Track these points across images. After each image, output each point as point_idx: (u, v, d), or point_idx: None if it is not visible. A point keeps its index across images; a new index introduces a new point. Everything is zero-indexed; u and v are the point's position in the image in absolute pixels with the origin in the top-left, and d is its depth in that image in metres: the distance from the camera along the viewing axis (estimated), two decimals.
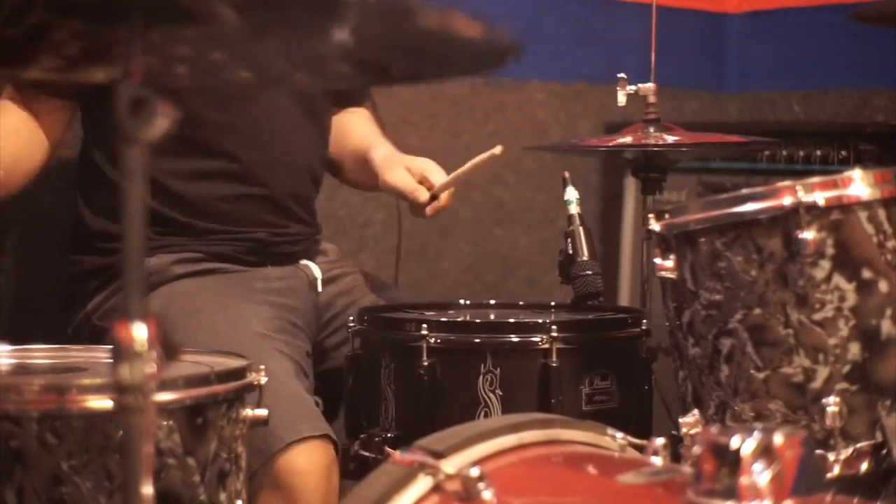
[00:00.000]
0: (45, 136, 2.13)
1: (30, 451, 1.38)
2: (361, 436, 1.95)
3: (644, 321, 2.00)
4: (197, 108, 2.08)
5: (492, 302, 2.25)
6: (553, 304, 2.20)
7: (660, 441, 1.24)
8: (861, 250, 1.70)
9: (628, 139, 2.23)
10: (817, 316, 1.69)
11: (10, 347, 1.70)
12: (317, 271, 2.23)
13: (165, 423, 1.43)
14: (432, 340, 1.87)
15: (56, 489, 1.38)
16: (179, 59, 1.06)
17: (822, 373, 1.69)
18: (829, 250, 1.69)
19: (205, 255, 2.14)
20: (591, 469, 1.27)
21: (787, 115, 3.57)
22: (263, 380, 1.57)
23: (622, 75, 2.27)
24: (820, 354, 1.69)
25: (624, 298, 3.25)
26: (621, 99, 2.26)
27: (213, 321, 2.00)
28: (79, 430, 1.39)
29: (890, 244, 1.71)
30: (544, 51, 3.32)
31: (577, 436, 1.31)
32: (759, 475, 1.01)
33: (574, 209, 2.14)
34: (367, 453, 1.93)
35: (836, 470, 1.69)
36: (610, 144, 2.29)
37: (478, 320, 2.04)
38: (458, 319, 2.05)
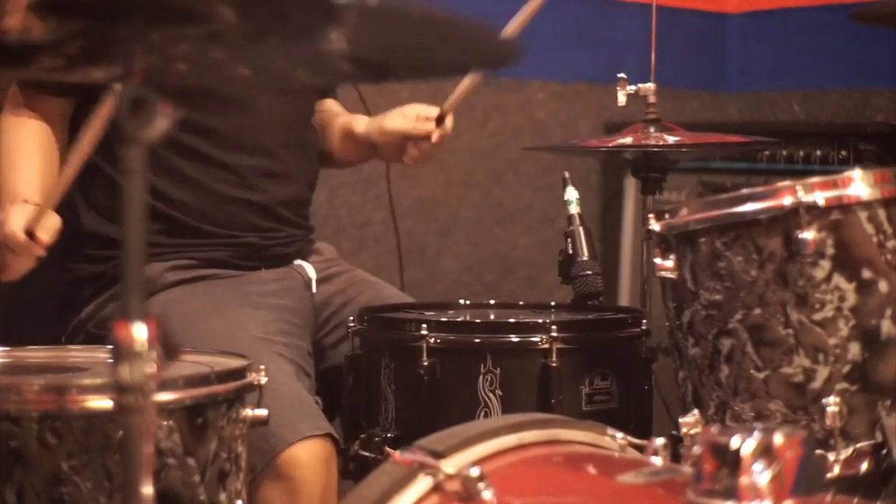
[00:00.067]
0: (57, 140, 2.15)
1: (30, 451, 1.38)
2: (361, 436, 1.95)
3: (644, 321, 2.00)
4: (189, 113, 2.08)
5: (492, 302, 2.25)
6: (553, 304, 2.20)
7: (660, 441, 1.23)
8: (861, 250, 1.70)
9: (628, 139, 2.22)
10: (817, 316, 1.69)
11: (10, 348, 1.70)
12: (311, 271, 2.23)
13: (165, 423, 1.43)
14: (432, 340, 1.87)
15: (56, 489, 1.38)
16: (179, 58, 1.06)
17: (822, 373, 1.69)
18: (829, 250, 1.69)
19: (197, 261, 2.13)
20: (591, 469, 1.27)
21: (787, 115, 3.57)
22: (263, 380, 1.58)
23: (622, 75, 2.27)
24: (820, 354, 1.69)
25: (624, 298, 3.25)
26: (621, 99, 2.26)
27: (210, 328, 2.00)
28: (79, 430, 1.39)
29: (890, 244, 1.71)
30: (544, 51, 3.32)
31: (577, 436, 1.31)
32: (759, 475, 1.01)
33: (574, 209, 2.14)
34: (367, 453, 1.92)
35: (836, 470, 1.69)
36: (610, 145, 2.29)
37: (478, 320, 2.04)
38: (458, 319, 2.05)
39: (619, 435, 1.33)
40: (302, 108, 2.30)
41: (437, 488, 1.14)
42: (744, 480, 1.01)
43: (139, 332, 0.99)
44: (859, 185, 1.71)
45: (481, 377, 1.86)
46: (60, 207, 2.28)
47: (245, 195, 2.17)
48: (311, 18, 1.00)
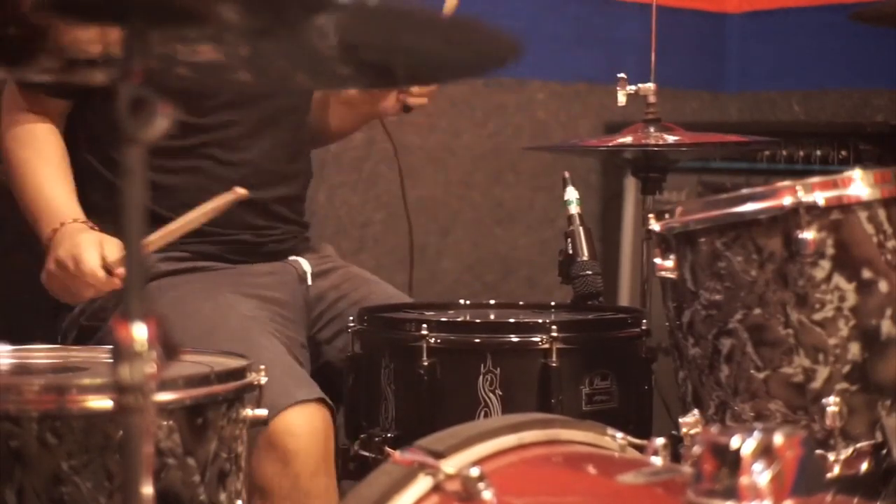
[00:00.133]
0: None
1: (30, 451, 1.38)
2: (361, 436, 1.95)
3: (644, 321, 2.00)
4: (182, 114, 2.07)
5: (492, 302, 2.25)
6: (553, 304, 2.20)
7: (660, 441, 1.23)
8: (861, 250, 1.70)
9: (628, 139, 2.22)
10: (817, 316, 1.69)
11: (10, 347, 1.70)
12: (306, 265, 2.24)
13: (165, 423, 1.43)
14: (432, 340, 1.87)
15: (56, 489, 1.38)
16: (178, 60, 1.06)
17: (822, 373, 1.69)
18: (829, 250, 1.69)
19: (191, 254, 2.14)
20: (591, 469, 1.27)
21: (787, 115, 3.57)
22: (263, 380, 1.57)
23: (622, 75, 2.27)
24: (820, 354, 1.69)
25: (624, 298, 3.25)
26: (621, 99, 2.26)
27: (200, 309, 2.00)
28: (79, 430, 1.39)
29: (890, 244, 1.71)
30: (544, 51, 3.32)
31: (577, 436, 1.31)
32: (759, 475, 1.01)
33: (574, 209, 2.14)
34: (367, 453, 1.93)
35: (836, 470, 1.69)
36: (610, 144, 2.29)
37: (478, 320, 2.04)
38: (458, 319, 2.05)
39: (619, 435, 1.33)
40: (297, 107, 2.30)
41: (437, 488, 1.14)
42: (744, 480, 1.01)
43: (139, 332, 0.99)
44: (859, 185, 1.71)
45: (481, 377, 1.86)
46: None
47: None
48: (309, 16, 1.00)
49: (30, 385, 1.43)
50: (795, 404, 1.71)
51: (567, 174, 2.18)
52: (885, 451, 1.70)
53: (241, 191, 1.90)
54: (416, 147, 3.20)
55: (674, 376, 1.86)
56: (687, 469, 1.12)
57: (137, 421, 1.00)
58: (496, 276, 3.35)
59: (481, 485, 1.11)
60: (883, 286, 1.70)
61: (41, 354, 1.73)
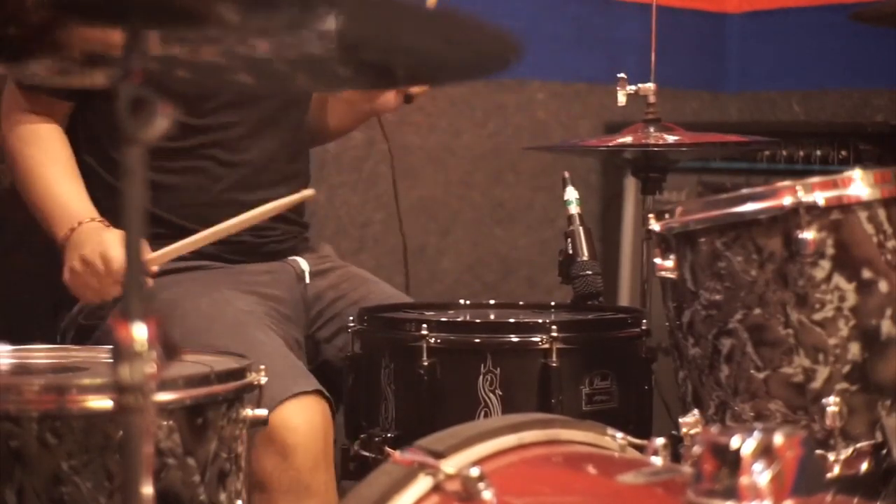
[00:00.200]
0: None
1: (30, 451, 1.38)
2: (361, 436, 1.95)
3: (644, 321, 2.00)
4: (182, 114, 2.07)
5: (492, 302, 2.25)
6: (553, 304, 2.20)
7: (660, 441, 1.23)
8: (861, 250, 1.70)
9: (628, 139, 2.22)
10: (817, 316, 1.69)
11: (10, 347, 1.70)
12: (304, 264, 2.24)
13: (165, 423, 1.43)
14: (432, 340, 1.87)
15: (56, 489, 1.38)
16: (178, 62, 1.06)
17: (822, 373, 1.69)
18: (829, 250, 1.69)
19: (189, 253, 2.14)
20: (591, 469, 1.27)
21: (787, 115, 3.57)
22: (263, 380, 1.58)
23: (622, 75, 2.27)
24: (820, 354, 1.69)
25: (624, 298, 3.25)
26: (621, 99, 2.26)
27: (197, 304, 2.01)
28: (79, 430, 1.39)
29: (890, 244, 1.71)
30: (544, 51, 3.33)
31: (577, 436, 1.31)
32: (759, 475, 1.01)
33: (574, 209, 2.14)
34: (367, 453, 1.93)
35: (836, 470, 1.69)
36: (610, 144, 2.29)
37: (478, 320, 2.04)
38: (458, 319, 2.05)
39: (619, 435, 1.33)
40: (297, 107, 2.30)
41: (437, 488, 1.14)
42: (744, 480, 1.01)
43: (139, 332, 0.99)
44: (859, 185, 1.71)
45: (481, 377, 1.86)
46: None
47: (239, 195, 2.17)
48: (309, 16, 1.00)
49: (30, 385, 1.43)
50: (795, 404, 1.71)
51: (567, 174, 2.19)
52: (885, 451, 1.70)
53: (308, 192, 1.91)
54: (416, 147, 3.20)
55: (674, 376, 1.86)
56: (687, 469, 1.12)
57: (137, 421, 1.00)
58: (496, 276, 3.35)
59: (481, 485, 1.11)
60: (883, 286, 1.70)
61: (41, 354, 1.73)
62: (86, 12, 0.98)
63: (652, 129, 2.24)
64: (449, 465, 1.15)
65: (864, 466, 1.70)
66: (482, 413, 1.85)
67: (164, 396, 1.42)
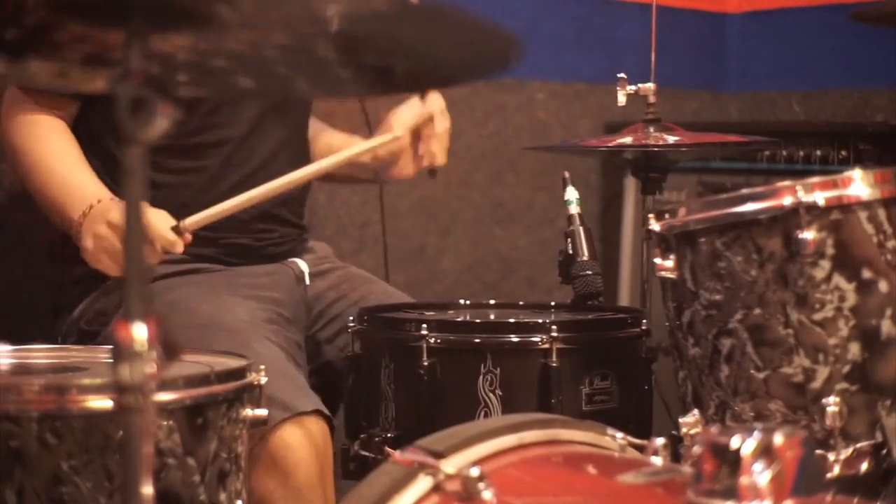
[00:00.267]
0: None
1: (30, 451, 1.38)
2: (361, 436, 1.95)
3: (644, 321, 2.00)
4: (183, 113, 2.06)
5: (492, 302, 2.25)
6: (553, 304, 2.20)
7: (660, 441, 1.24)
8: (861, 250, 1.70)
9: (628, 139, 2.22)
10: (817, 316, 1.69)
11: (10, 347, 1.70)
12: (304, 266, 2.24)
13: (165, 423, 1.43)
14: (432, 340, 1.87)
15: (56, 489, 1.38)
16: (180, 67, 1.06)
17: (822, 373, 1.69)
18: (829, 250, 1.69)
19: (188, 255, 2.13)
20: (591, 469, 1.27)
21: (787, 115, 3.57)
22: (263, 380, 1.58)
23: (622, 75, 2.27)
24: (820, 354, 1.69)
25: (624, 298, 3.25)
26: (621, 99, 2.26)
27: (198, 312, 2.00)
28: (79, 430, 1.39)
29: (890, 244, 1.71)
30: (544, 51, 3.32)
31: (577, 436, 1.31)
32: (760, 475, 1.01)
33: (574, 209, 2.14)
34: (367, 453, 1.93)
35: (836, 470, 1.69)
36: (610, 145, 2.29)
37: (478, 320, 2.04)
38: (458, 319, 2.05)
39: (619, 435, 1.33)
40: (298, 107, 2.29)
41: (437, 488, 1.14)
42: (744, 480, 1.01)
43: (139, 332, 0.99)
44: (859, 185, 1.71)
45: (481, 377, 1.86)
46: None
47: (240, 195, 2.16)
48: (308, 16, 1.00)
49: (30, 385, 1.43)
50: (795, 404, 1.71)
51: (567, 174, 2.19)
52: (885, 451, 1.70)
53: (393, 134, 1.90)
54: None
55: (674, 376, 1.86)
56: (687, 469, 1.12)
57: (137, 421, 1.00)
58: (496, 276, 3.35)
59: (481, 485, 1.11)
60: (883, 286, 1.70)
61: (41, 354, 1.73)
62: (86, 12, 0.98)
63: (652, 130, 2.24)
64: (449, 465, 1.15)
65: (864, 466, 1.70)
66: (482, 413, 1.85)
67: (164, 396, 1.42)
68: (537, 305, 2.21)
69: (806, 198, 1.68)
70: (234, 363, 1.60)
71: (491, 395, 1.86)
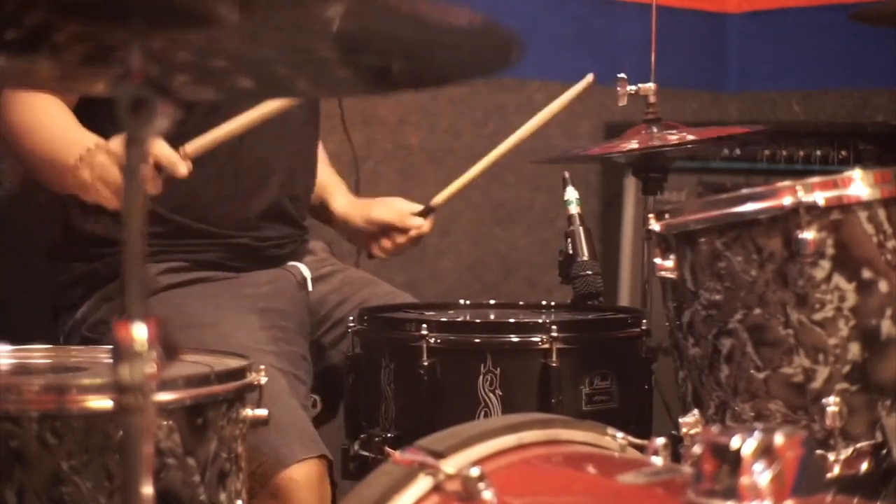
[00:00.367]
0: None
1: (30, 451, 1.38)
2: (361, 436, 1.95)
3: (644, 321, 2.00)
4: (183, 113, 2.06)
5: (492, 302, 2.25)
6: (553, 304, 2.20)
7: (660, 441, 1.23)
8: (861, 250, 1.70)
9: (633, 143, 2.21)
10: (817, 316, 1.69)
11: (10, 347, 1.70)
12: (305, 271, 2.23)
13: (165, 423, 1.43)
14: (432, 340, 1.87)
15: (56, 489, 1.38)
16: (180, 67, 1.06)
17: (822, 373, 1.70)
18: (829, 250, 1.69)
19: (191, 263, 2.12)
20: (591, 469, 1.27)
21: (787, 115, 3.57)
22: (263, 380, 1.57)
23: (622, 75, 2.27)
24: (820, 354, 1.69)
25: (624, 298, 3.25)
26: (621, 99, 2.26)
27: (203, 339, 1.97)
28: (79, 430, 1.39)
29: (890, 244, 1.71)
30: (544, 51, 3.32)
31: (577, 436, 1.31)
32: (760, 475, 1.01)
33: (574, 209, 2.14)
34: (367, 453, 1.93)
35: (836, 470, 1.69)
36: (614, 151, 2.28)
37: (478, 320, 2.04)
38: (458, 319, 2.05)
39: (620, 435, 1.33)
40: (301, 111, 2.29)
41: (437, 488, 1.14)
42: (744, 480, 1.01)
43: (139, 332, 0.99)
44: (859, 185, 1.71)
45: (481, 377, 1.86)
46: (50, 208, 2.27)
47: (242, 192, 2.16)
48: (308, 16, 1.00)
49: (30, 385, 1.43)
50: (795, 404, 1.71)
51: (567, 174, 2.19)
52: (885, 451, 1.70)
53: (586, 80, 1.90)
54: (416, 147, 3.20)
55: (674, 376, 1.86)
56: (687, 469, 1.12)
57: (137, 421, 1.00)
58: (496, 276, 3.35)
59: (481, 485, 1.11)
60: (883, 286, 1.70)
61: (41, 354, 1.72)
62: (86, 12, 0.97)
63: (654, 130, 2.24)
64: (449, 465, 1.15)
65: (864, 466, 1.70)
66: (482, 413, 1.85)
67: (164, 396, 1.42)
68: (537, 305, 2.21)
69: (806, 198, 1.68)
70: (234, 363, 1.60)
71: (491, 395, 1.86)
